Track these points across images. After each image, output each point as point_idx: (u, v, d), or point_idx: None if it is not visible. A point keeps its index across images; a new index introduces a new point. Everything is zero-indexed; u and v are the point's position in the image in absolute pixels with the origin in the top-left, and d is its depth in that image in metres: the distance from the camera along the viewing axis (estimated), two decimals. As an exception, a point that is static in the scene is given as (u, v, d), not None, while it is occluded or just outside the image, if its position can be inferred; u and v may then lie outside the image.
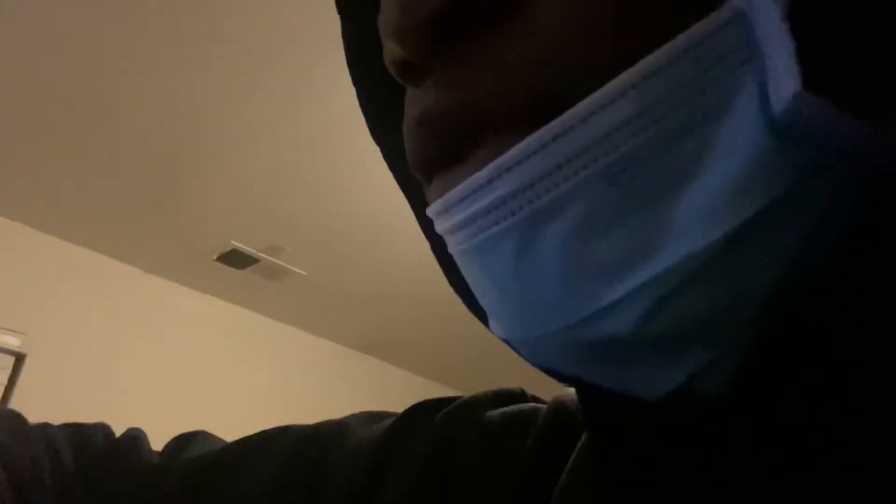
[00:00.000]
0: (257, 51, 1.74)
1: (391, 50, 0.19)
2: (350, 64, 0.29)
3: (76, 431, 0.38)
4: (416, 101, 0.20)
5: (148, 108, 1.94)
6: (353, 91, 0.29)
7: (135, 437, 0.39)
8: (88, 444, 0.37)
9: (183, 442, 0.39)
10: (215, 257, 2.66)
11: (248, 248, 2.58)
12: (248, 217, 2.42)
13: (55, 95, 1.89)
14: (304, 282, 2.79)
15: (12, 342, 2.41)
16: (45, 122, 2.00)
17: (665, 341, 0.18)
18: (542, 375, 0.27)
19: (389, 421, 0.35)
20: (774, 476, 0.18)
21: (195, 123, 1.99)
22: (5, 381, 2.38)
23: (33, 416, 0.38)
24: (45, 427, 0.37)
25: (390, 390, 3.32)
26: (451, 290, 0.27)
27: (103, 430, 0.39)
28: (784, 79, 0.15)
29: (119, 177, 2.23)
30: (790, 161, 0.15)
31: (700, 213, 0.16)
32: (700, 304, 0.17)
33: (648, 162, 0.16)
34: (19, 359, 2.41)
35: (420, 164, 0.21)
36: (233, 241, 2.55)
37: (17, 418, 0.36)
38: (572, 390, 0.27)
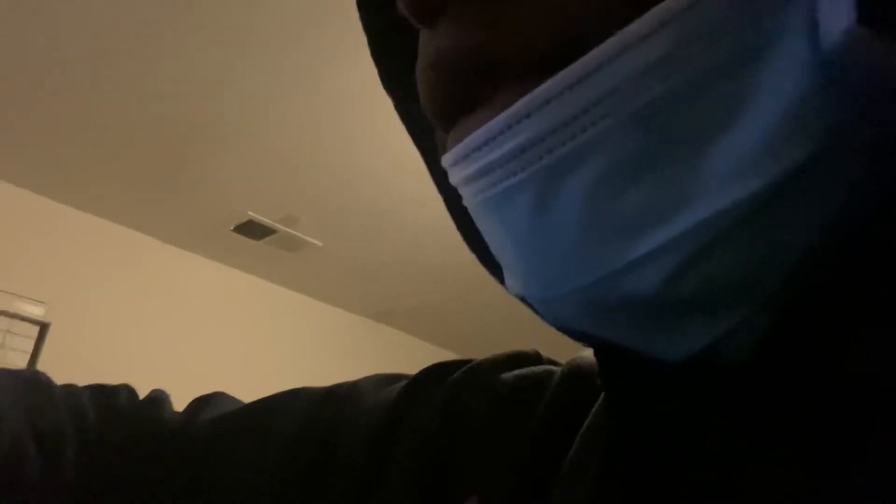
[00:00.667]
0: (274, 21, 1.72)
1: None
2: (360, 7, 0.28)
3: (100, 391, 0.39)
4: (430, 43, 0.19)
5: (166, 80, 1.94)
6: (369, 60, 0.28)
7: (157, 399, 0.39)
8: (112, 404, 0.38)
9: (202, 403, 0.39)
10: (232, 228, 2.68)
11: (265, 219, 2.60)
12: (264, 188, 2.43)
13: (74, 67, 1.90)
14: (319, 252, 2.81)
15: (36, 312, 2.45)
16: (66, 96, 2.01)
17: (692, 301, 0.16)
18: (558, 342, 0.27)
19: (402, 383, 0.35)
20: (790, 448, 0.17)
21: (212, 94, 1.99)
22: (30, 350, 2.43)
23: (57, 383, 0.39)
24: (69, 387, 0.38)
25: (405, 358, 3.35)
26: (466, 257, 0.26)
27: (127, 390, 0.40)
28: (837, 11, 0.13)
29: (137, 148, 2.24)
30: (839, 104, 0.14)
31: (739, 162, 0.14)
32: (733, 263, 0.15)
33: (683, 105, 0.15)
34: (43, 328, 2.46)
35: (434, 109, 0.19)
36: (249, 212, 2.56)
37: (43, 378, 0.37)
38: (589, 352, 0.27)
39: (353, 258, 2.86)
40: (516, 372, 0.32)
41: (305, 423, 0.35)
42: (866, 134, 0.14)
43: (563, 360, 0.31)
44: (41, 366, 2.39)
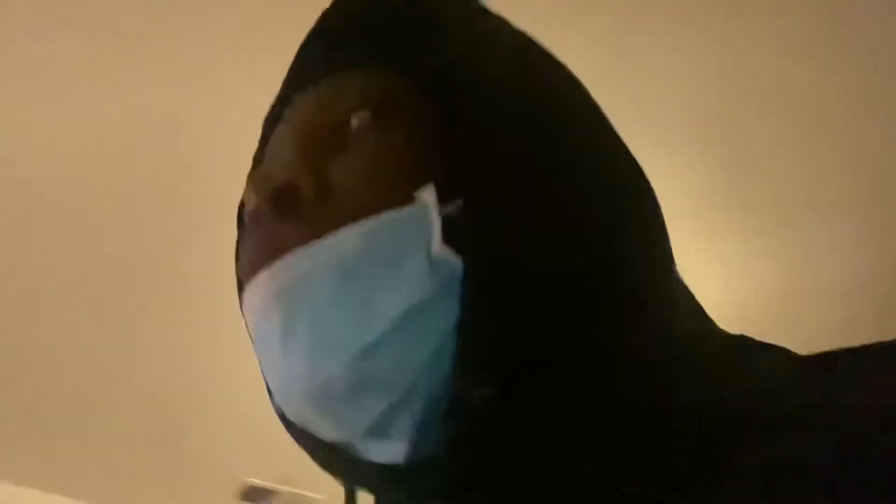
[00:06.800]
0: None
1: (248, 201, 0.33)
2: None
3: None
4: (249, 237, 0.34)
5: (156, 357, 2.06)
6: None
7: None
8: None
9: None
10: (235, 496, 2.66)
11: (265, 483, 2.60)
12: (259, 451, 2.44)
13: (57, 361, 2.02)
14: (325, 505, 2.74)
15: None
16: (51, 387, 2.12)
17: (363, 386, 0.29)
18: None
19: None
20: None
21: (201, 370, 2.10)
22: None
23: None
24: None
25: None
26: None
27: None
28: (436, 240, 0.30)
29: (129, 430, 2.31)
30: (437, 279, 0.29)
31: (391, 302, 0.29)
32: (385, 362, 0.29)
33: (365, 272, 0.30)
34: None
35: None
36: (248, 478, 2.58)
37: None
38: None
39: (360, 505, 2.76)
40: None
41: None
42: (451, 297, 0.29)
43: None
44: None
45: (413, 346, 0.29)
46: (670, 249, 0.35)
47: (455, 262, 0.29)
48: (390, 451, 0.30)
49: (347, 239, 0.30)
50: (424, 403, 0.29)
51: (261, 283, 0.31)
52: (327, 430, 0.31)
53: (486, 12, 0.39)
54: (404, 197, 0.31)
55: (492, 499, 0.29)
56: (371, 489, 0.33)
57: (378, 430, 0.30)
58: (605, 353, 0.29)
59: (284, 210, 0.32)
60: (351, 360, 0.29)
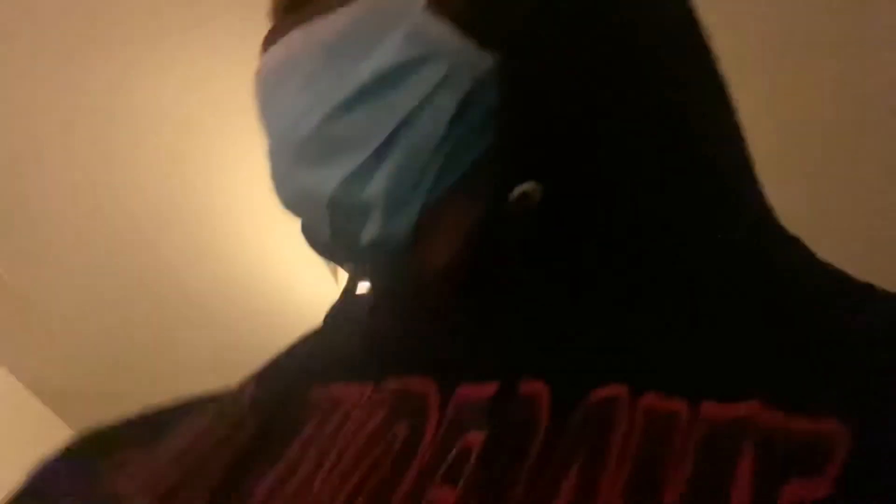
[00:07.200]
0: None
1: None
2: None
3: None
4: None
5: None
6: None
7: None
8: None
9: None
10: None
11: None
12: None
13: None
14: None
15: None
16: None
17: (333, 147, 0.32)
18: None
19: None
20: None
21: None
22: None
23: None
24: None
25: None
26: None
27: None
28: (416, 10, 0.32)
29: None
30: (417, 45, 0.31)
31: (365, 66, 0.31)
32: (355, 120, 0.31)
33: (349, 44, 0.32)
34: None
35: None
36: None
37: None
38: None
39: (31, 306, 2.38)
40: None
41: None
42: (434, 68, 0.31)
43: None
44: None
45: (385, 106, 0.30)
46: (729, 100, 0.34)
47: (440, 28, 0.30)
48: (366, 222, 0.31)
49: (336, 18, 0.32)
50: (396, 171, 0.30)
51: (264, 60, 0.35)
52: (307, 196, 0.33)
53: None
54: None
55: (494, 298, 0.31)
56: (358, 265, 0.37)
57: (352, 191, 0.31)
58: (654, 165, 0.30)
59: (293, 8, 0.35)
60: (322, 119, 0.31)
